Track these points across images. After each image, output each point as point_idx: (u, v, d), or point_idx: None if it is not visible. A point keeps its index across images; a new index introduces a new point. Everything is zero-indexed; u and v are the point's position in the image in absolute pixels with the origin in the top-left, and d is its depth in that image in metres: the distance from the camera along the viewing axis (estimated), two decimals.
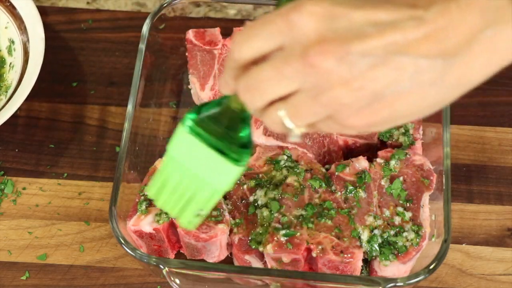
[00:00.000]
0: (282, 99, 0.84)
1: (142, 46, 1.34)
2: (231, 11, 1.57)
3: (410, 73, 0.80)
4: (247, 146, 0.99)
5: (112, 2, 1.59)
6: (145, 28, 1.35)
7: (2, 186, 1.37)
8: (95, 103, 1.46)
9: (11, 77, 1.41)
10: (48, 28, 1.45)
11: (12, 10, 1.43)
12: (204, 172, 1.00)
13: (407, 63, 0.80)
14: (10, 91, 1.37)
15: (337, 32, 0.80)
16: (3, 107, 1.34)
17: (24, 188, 1.37)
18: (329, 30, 0.80)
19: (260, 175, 1.28)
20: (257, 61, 0.83)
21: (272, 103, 0.85)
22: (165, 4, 1.39)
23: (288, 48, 0.81)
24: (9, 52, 1.44)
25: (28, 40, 1.40)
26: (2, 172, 1.39)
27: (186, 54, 1.42)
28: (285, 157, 1.28)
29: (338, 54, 0.79)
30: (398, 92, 0.81)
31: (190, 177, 1.00)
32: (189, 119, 0.99)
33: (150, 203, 1.24)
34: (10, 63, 1.43)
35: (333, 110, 0.82)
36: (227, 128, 0.98)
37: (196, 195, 1.02)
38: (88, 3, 1.59)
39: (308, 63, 0.79)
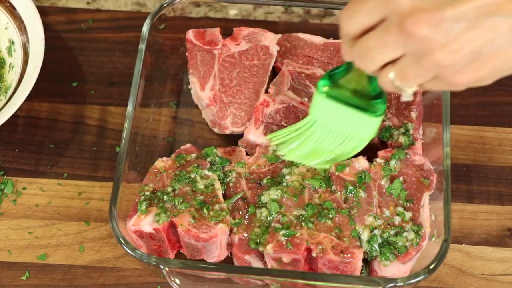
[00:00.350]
0: (392, 62, 0.94)
1: (142, 46, 1.34)
2: (231, 11, 1.57)
3: (504, 31, 0.88)
4: (380, 96, 1.13)
5: (112, 2, 1.59)
6: (145, 28, 1.35)
7: (2, 186, 1.37)
8: (95, 103, 1.46)
9: (11, 77, 1.41)
10: (48, 28, 1.45)
11: (12, 11, 1.43)
12: (348, 127, 1.17)
13: (500, 23, 0.87)
14: (9, 92, 1.37)
15: (429, 1, 0.87)
16: (2, 107, 1.34)
17: (24, 188, 1.37)
18: (422, 0, 0.87)
19: (261, 175, 1.28)
20: (366, 31, 0.94)
21: (384, 66, 0.96)
22: (165, 4, 1.39)
23: (388, 20, 0.90)
24: (9, 52, 1.44)
25: (28, 40, 1.40)
26: (2, 172, 1.39)
27: (186, 54, 1.42)
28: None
29: (432, 21, 0.86)
30: (495, 50, 0.89)
31: (334, 134, 1.18)
32: (323, 86, 1.15)
33: (150, 203, 1.24)
34: (10, 64, 1.43)
35: (437, 72, 0.91)
36: (357, 86, 1.12)
37: (340, 146, 1.20)
38: (88, 3, 1.59)
39: (405, 33, 0.88)
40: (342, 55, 1.03)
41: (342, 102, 1.15)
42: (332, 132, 1.19)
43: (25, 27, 1.41)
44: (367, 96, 1.14)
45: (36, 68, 1.35)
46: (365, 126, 1.17)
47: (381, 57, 0.94)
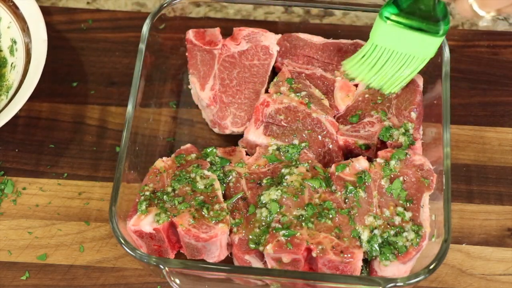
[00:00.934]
0: None
1: (142, 46, 1.34)
2: (231, 11, 1.57)
3: None
4: (445, 17, 1.23)
5: (112, 2, 1.59)
6: (145, 28, 1.35)
7: (2, 186, 1.37)
8: (95, 103, 1.46)
9: (13, 77, 1.41)
10: (48, 28, 1.45)
11: (15, 10, 1.43)
12: (410, 49, 1.27)
13: None
14: (11, 92, 1.37)
15: None
16: (4, 107, 1.34)
17: (24, 188, 1.37)
18: None
19: (261, 175, 1.28)
20: None
21: None
22: (165, 4, 1.39)
23: None
24: (11, 52, 1.44)
25: (30, 40, 1.40)
26: (2, 172, 1.39)
27: (186, 54, 1.42)
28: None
29: None
30: None
31: (396, 56, 1.29)
32: (385, 12, 1.25)
33: (150, 203, 1.24)
34: (12, 63, 1.43)
35: None
36: (421, 9, 1.22)
37: (403, 67, 1.30)
38: (88, 3, 1.59)
39: None
40: None
41: (405, 26, 1.25)
42: (395, 54, 1.29)
43: (28, 27, 1.41)
44: (430, 18, 1.23)
45: (38, 69, 1.35)
46: (427, 46, 1.27)
47: None
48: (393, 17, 1.25)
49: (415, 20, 1.24)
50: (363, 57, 1.32)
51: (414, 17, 1.24)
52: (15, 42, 1.43)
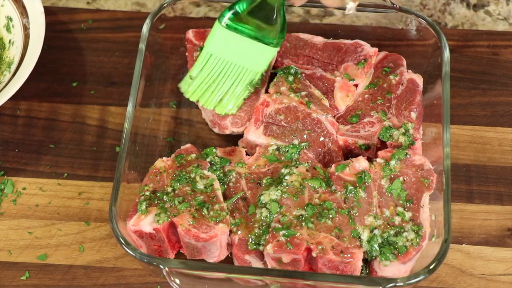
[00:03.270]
0: None
1: (142, 46, 1.34)
2: None
3: None
4: (282, 29, 1.22)
5: (112, 2, 1.59)
6: (145, 28, 1.35)
7: (2, 186, 1.37)
8: (95, 103, 1.46)
9: (13, 53, 1.41)
10: (48, 28, 1.45)
11: None
12: (243, 59, 1.25)
13: None
14: (13, 67, 1.38)
15: None
16: (8, 82, 1.34)
17: (24, 188, 1.37)
18: None
19: (261, 175, 1.28)
20: None
21: None
22: (165, 4, 1.39)
23: None
24: (8, 29, 1.44)
25: (27, 15, 1.41)
26: (2, 172, 1.39)
27: (186, 54, 1.42)
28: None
29: None
30: None
31: (230, 67, 1.26)
32: (225, 17, 1.23)
33: (150, 203, 1.24)
34: (10, 40, 1.43)
35: None
36: (260, 18, 1.21)
37: (236, 82, 1.27)
38: (88, 3, 1.59)
39: None
40: None
41: (242, 33, 1.23)
42: (227, 65, 1.26)
43: (23, 3, 1.42)
44: (267, 28, 1.22)
45: (39, 41, 1.37)
46: (260, 58, 1.25)
47: None
48: (230, 22, 1.24)
49: (252, 28, 1.23)
50: (196, 67, 1.30)
51: (251, 25, 1.23)
52: (10, 19, 1.44)
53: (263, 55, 1.25)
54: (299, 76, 1.37)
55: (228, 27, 1.23)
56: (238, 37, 1.23)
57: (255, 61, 1.26)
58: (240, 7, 1.22)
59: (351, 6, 1.10)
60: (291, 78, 1.36)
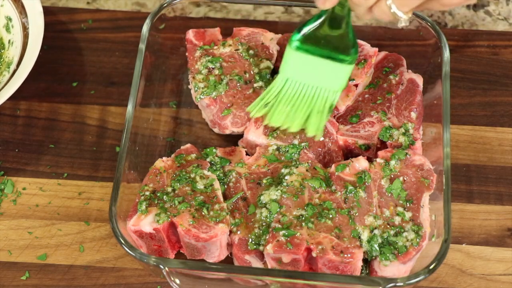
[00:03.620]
0: None
1: (142, 46, 1.34)
2: (231, 11, 1.57)
3: None
4: (354, 45, 1.20)
5: (112, 2, 1.59)
6: (145, 28, 1.35)
7: (2, 186, 1.37)
8: (95, 103, 1.46)
9: (12, 53, 1.41)
10: (48, 28, 1.45)
11: None
12: (320, 80, 1.22)
13: None
14: (12, 67, 1.38)
15: None
16: (7, 82, 1.34)
17: (24, 188, 1.37)
18: None
19: (261, 175, 1.28)
20: None
21: None
22: (165, 4, 1.39)
23: None
24: (7, 29, 1.44)
25: (26, 15, 1.41)
26: (2, 172, 1.39)
27: (186, 54, 1.42)
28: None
29: None
30: None
31: (308, 89, 1.23)
32: (295, 40, 1.21)
33: (150, 203, 1.24)
34: (10, 40, 1.44)
35: None
36: (330, 37, 1.19)
37: (314, 103, 1.24)
38: (88, 3, 1.59)
39: None
40: (320, 3, 1.11)
41: (315, 54, 1.21)
42: (305, 87, 1.24)
43: (22, 3, 1.42)
44: (339, 47, 1.20)
45: (38, 41, 1.37)
46: (337, 76, 1.23)
47: None
48: (301, 45, 1.21)
49: (323, 47, 1.20)
50: (270, 93, 1.27)
51: (322, 44, 1.20)
52: (10, 19, 1.44)
53: (339, 74, 1.23)
54: None
55: (299, 49, 1.21)
56: (311, 58, 1.21)
57: (332, 81, 1.23)
58: (307, 28, 1.20)
59: (404, 18, 1.10)
60: None
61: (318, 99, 1.25)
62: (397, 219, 1.22)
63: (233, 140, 1.39)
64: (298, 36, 1.21)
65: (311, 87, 1.24)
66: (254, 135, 1.33)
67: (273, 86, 1.26)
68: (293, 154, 1.30)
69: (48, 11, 1.53)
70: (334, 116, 1.34)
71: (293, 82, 1.24)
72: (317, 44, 1.20)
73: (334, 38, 1.19)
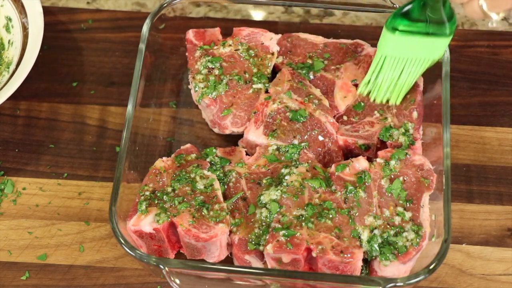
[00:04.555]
0: None
1: (142, 46, 1.34)
2: (231, 11, 1.57)
3: None
4: (451, 17, 1.22)
5: (112, 2, 1.59)
6: (145, 28, 1.35)
7: (2, 186, 1.37)
8: (95, 103, 1.46)
9: (12, 53, 1.42)
10: (48, 28, 1.45)
11: None
12: (418, 53, 1.26)
13: None
14: (12, 67, 1.38)
15: None
16: (7, 82, 1.34)
17: (24, 188, 1.37)
18: None
19: (261, 175, 1.28)
20: None
21: None
22: (165, 4, 1.39)
23: None
24: (7, 29, 1.44)
25: (26, 15, 1.41)
26: (2, 172, 1.39)
27: (186, 54, 1.42)
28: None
29: None
30: None
31: (406, 63, 1.28)
32: (394, 23, 1.24)
33: (150, 203, 1.24)
34: (9, 40, 1.44)
35: None
36: (427, 14, 1.21)
37: (413, 73, 1.29)
38: (88, 3, 1.59)
39: None
40: None
41: (413, 34, 1.24)
42: (404, 61, 1.28)
43: (22, 3, 1.42)
44: (437, 20, 1.22)
45: (37, 42, 1.37)
46: (435, 48, 1.26)
47: None
48: (402, 27, 1.24)
49: (423, 26, 1.23)
50: (373, 73, 1.32)
51: (421, 23, 1.23)
52: (10, 19, 1.44)
53: (437, 45, 1.26)
54: (299, 76, 1.37)
55: (397, 31, 1.25)
56: (409, 37, 1.25)
57: (430, 52, 1.27)
58: (405, 9, 1.23)
59: (495, 18, 1.11)
60: (291, 78, 1.36)
61: (416, 69, 1.29)
62: (397, 219, 1.22)
63: (233, 140, 1.39)
64: (397, 19, 1.24)
65: (409, 61, 1.28)
66: (254, 135, 1.33)
67: (372, 64, 1.31)
68: (293, 154, 1.30)
69: (48, 11, 1.53)
70: (334, 116, 1.35)
71: (391, 59, 1.29)
72: (415, 23, 1.23)
73: (432, 13, 1.22)
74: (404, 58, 1.28)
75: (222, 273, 1.18)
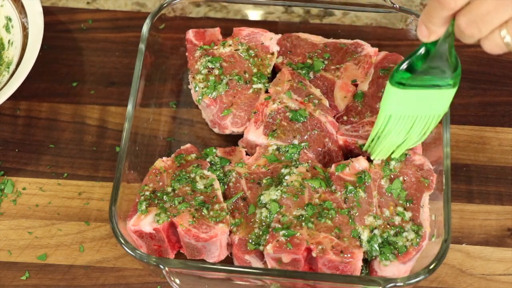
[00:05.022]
0: (502, 24, 1.00)
1: (142, 46, 1.34)
2: (231, 11, 1.57)
3: None
4: (456, 67, 1.14)
5: (112, 2, 1.59)
6: (145, 28, 1.35)
7: (2, 186, 1.37)
8: (95, 103, 1.46)
9: (12, 53, 1.42)
10: (48, 28, 1.45)
11: None
12: (423, 109, 1.19)
13: None
14: (12, 67, 1.38)
15: None
16: (6, 82, 1.34)
17: (24, 188, 1.37)
18: None
19: (261, 175, 1.28)
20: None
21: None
22: (165, 4, 1.39)
23: None
24: (7, 29, 1.44)
25: (26, 15, 1.41)
26: (2, 172, 1.39)
27: (186, 54, 1.42)
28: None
29: None
30: None
31: (412, 120, 1.20)
32: (396, 77, 1.16)
33: (150, 203, 1.24)
34: (9, 40, 1.44)
35: None
36: (432, 65, 1.13)
37: (415, 129, 1.22)
38: (88, 3, 1.59)
39: None
40: (424, 37, 1.07)
41: (417, 87, 1.16)
42: (409, 120, 1.21)
43: (22, 3, 1.42)
44: (443, 72, 1.15)
45: (37, 42, 1.37)
46: (440, 101, 1.19)
47: (499, 18, 0.98)
48: (407, 81, 1.16)
49: (428, 78, 1.15)
50: (377, 134, 1.25)
51: (427, 75, 1.15)
52: (10, 19, 1.44)
53: (443, 98, 1.18)
54: (299, 76, 1.37)
55: (401, 86, 1.17)
56: (413, 91, 1.17)
57: (435, 106, 1.20)
58: (408, 63, 1.16)
59: None
60: (291, 78, 1.36)
61: (425, 126, 1.22)
62: (397, 219, 1.22)
63: (233, 140, 1.39)
64: (401, 74, 1.16)
65: (415, 117, 1.21)
66: (254, 135, 1.33)
67: (377, 124, 1.23)
68: (293, 154, 1.30)
69: (48, 11, 1.53)
70: (334, 116, 1.34)
71: (396, 117, 1.21)
72: (419, 76, 1.15)
73: (436, 65, 1.14)
74: (408, 116, 1.21)
75: (222, 273, 1.18)
